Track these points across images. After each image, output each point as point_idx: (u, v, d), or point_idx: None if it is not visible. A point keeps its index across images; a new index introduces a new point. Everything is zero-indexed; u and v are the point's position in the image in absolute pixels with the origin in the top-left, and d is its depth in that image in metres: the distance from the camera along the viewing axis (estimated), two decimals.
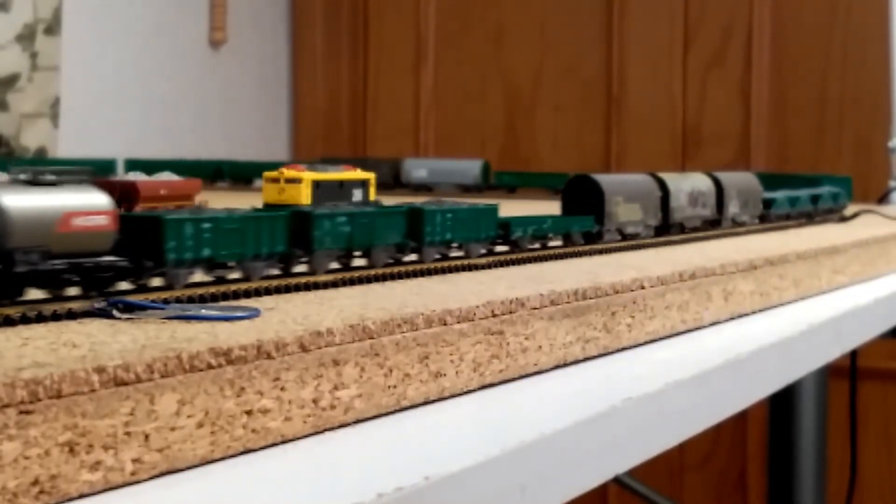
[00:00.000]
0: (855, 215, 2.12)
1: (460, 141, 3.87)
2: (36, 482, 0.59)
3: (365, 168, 1.12)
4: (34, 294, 0.78)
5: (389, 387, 0.82)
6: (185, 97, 3.74)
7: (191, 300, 0.84)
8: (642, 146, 3.68)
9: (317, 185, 1.05)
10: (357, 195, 1.09)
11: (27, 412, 0.59)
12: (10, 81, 3.11)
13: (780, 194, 1.88)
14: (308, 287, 0.94)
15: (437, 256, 1.11)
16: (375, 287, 0.98)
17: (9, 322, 0.73)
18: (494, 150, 3.76)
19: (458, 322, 0.89)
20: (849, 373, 2.64)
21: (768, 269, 1.41)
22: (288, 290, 0.92)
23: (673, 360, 1.11)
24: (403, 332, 0.83)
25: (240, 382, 0.71)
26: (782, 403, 2.46)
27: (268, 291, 0.90)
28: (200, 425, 0.68)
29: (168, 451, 0.66)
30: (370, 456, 0.75)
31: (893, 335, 1.92)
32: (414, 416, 0.84)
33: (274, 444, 0.73)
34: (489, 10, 3.88)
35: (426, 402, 0.86)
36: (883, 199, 2.89)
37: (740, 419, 3.39)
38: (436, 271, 1.08)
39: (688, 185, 1.56)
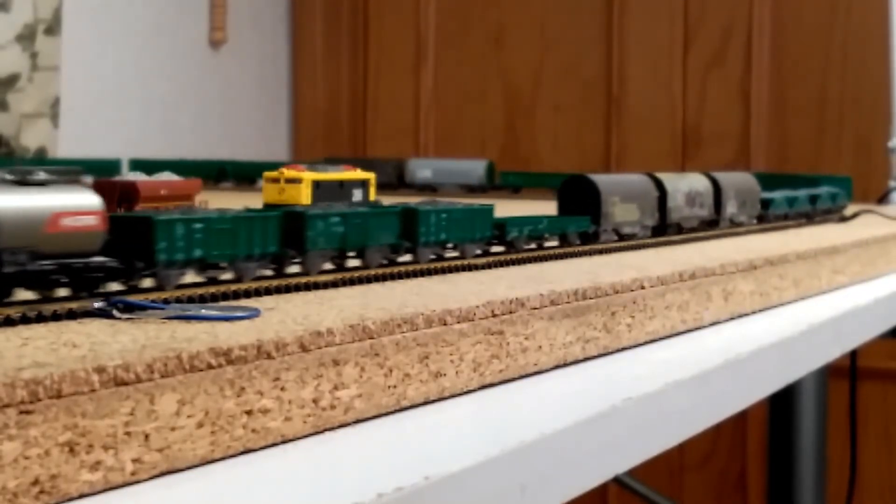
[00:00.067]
0: (855, 215, 2.12)
1: (460, 141, 3.86)
2: (36, 482, 0.59)
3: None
4: (22, 295, 0.77)
5: (389, 387, 0.82)
6: (185, 97, 3.74)
7: (191, 300, 0.84)
8: (642, 146, 3.68)
9: (317, 185, 1.05)
10: (357, 195, 1.10)
11: (27, 412, 0.59)
12: (10, 81, 3.11)
13: (778, 194, 1.88)
14: (307, 287, 0.94)
15: (433, 257, 1.11)
16: (375, 287, 0.98)
17: (9, 322, 0.73)
18: (494, 150, 3.76)
19: (458, 322, 0.89)
20: (849, 373, 2.64)
21: (768, 269, 1.41)
22: (287, 290, 0.92)
23: (673, 360, 1.11)
24: (403, 332, 0.83)
25: (240, 382, 0.71)
26: (782, 403, 2.46)
27: (267, 291, 0.90)
28: (200, 425, 0.68)
29: (168, 450, 0.66)
30: (370, 456, 0.75)
31: (893, 335, 1.92)
32: (414, 416, 0.84)
33: (274, 444, 0.73)
34: (489, 10, 3.88)
35: (426, 402, 0.86)
36: (883, 199, 2.89)
37: (740, 419, 3.39)
38: (435, 271, 1.08)
39: (685, 186, 1.56)
